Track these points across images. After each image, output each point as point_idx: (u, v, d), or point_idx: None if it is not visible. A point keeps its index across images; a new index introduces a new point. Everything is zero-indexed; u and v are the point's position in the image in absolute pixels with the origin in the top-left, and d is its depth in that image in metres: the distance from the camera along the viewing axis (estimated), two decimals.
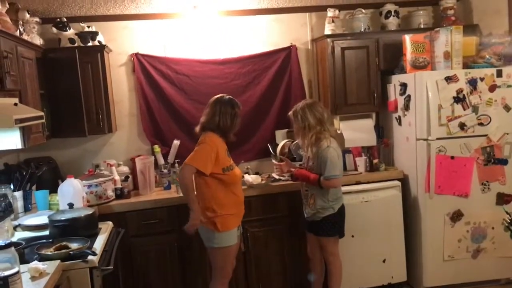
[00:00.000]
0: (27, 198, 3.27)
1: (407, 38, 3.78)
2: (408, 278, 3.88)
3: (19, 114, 2.34)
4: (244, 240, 3.53)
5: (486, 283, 3.83)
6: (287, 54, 4.20)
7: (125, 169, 3.93)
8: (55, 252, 2.34)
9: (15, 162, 3.60)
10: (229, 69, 4.11)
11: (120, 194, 3.65)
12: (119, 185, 3.69)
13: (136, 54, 3.98)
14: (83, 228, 2.68)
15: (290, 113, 3.40)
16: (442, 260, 3.74)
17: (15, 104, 2.58)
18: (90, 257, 2.30)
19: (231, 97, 3.15)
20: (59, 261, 2.19)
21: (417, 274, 3.83)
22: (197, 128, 3.14)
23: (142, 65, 3.99)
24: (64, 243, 2.43)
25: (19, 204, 3.16)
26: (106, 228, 2.87)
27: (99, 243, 2.57)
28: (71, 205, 2.83)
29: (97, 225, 2.84)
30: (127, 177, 3.79)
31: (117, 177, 3.76)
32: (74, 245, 2.42)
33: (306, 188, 3.39)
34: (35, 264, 2.05)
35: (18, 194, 3.16)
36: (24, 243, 2.47)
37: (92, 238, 2.61)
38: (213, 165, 2.95)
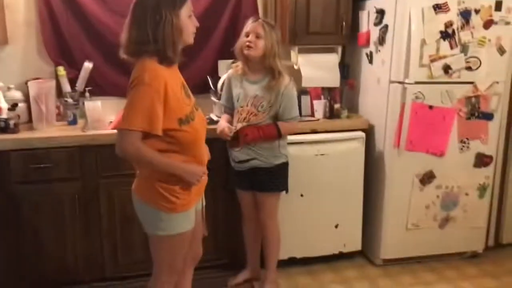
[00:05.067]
0: None
1: None
2: (363, 248, 3.27)
3: None
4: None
5: (449, 256, 3.30)
6: None
7: (17, 94, 3.02)
8: None
9: None
10: None
11: (4, 126, 2.76)
12: (4, 115, 2.80)
13: None
14: None
15: (260, 20, 2.58)
16: (405, 228, 3.14)
17: None
18: None
19: None
20: None
21: (374, 244, 3.23)
22: (121, 53, 1.90)
23: None
24: None
25: None
26: None
27: None
28: None
29: None
30: (15, 105, 2.89)
31: (2, 105, 2.86)
32: None
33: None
34: None
35: None
36: None
37: None
38: (163, 116, 1.82)
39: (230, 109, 2.76)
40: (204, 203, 2.20)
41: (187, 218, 1.98)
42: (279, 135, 2.62)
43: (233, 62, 2.98)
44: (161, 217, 1.93)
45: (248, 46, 2.53)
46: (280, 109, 2.59)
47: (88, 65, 3.08)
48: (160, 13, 1.79)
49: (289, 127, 2.67)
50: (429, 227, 3.17)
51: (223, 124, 2.67)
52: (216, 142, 2.66)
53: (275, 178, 2.71)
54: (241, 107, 2.62)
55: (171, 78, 1.86)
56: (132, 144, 1.79)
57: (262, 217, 2.78)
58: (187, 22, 1.89)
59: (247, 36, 2.54)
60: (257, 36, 2.52)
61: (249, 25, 2.57)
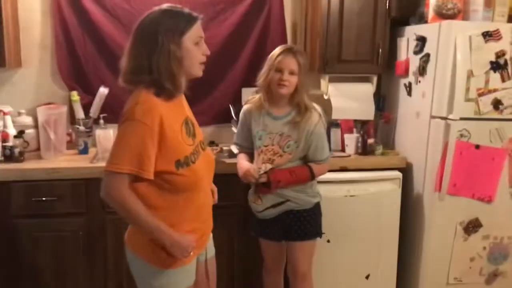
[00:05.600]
0: None
1: None
2: None
3: None
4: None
5: None
6: None
7: (27, 120, 2.87)
8: None
9: None
10: None
11: (9, 155, 2.59)
12: (10, 143, 2.63)
13: None
14: None
15: (292, 53, 2.25)
16: (445, 283, 2.78)
17: None
18: None
19: (166, 8, 1.63)
20: None
21: None
22: (120, 81, 1.66)
23: None
24: None
25: None
26: None
27: None
28: None
29: None
30: (21, 132, 2.72)
31: (11, 131, 2.71)
32: None
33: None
34: None
35: None
36: None
37: None
38: (156, 157, 1.57)
39: (247, 149, 2.46)
40: (211, 252, 1.92)
41: (185, 274, 1.71)
42: (312, 178, 2.34)
43: (257, 92, 2.73)
44: (153, 274, 1.66)
45: (282, 85, 2.25)
46: (310, 149, 2.30)
47: (103, 91, 2.90)
48: (156, 39, 1.54)
49: (322, 169, 2.38)
50: (474, 282, 2.80)
51: (246, 164, 2.33)
52: (235, 177, 2.38)
53: (313, 221, 2.39)
54: (265, 146, 2.32)
55: (169, 113, 1.60)
56: (118, 190, 1.53)
57: (299, 271, 2.41)
58: (192, 50, 1.62)
59: (280, 71, 2.24)
60: (291, 73, 2.24)
61: (280, 58, 2.24)
